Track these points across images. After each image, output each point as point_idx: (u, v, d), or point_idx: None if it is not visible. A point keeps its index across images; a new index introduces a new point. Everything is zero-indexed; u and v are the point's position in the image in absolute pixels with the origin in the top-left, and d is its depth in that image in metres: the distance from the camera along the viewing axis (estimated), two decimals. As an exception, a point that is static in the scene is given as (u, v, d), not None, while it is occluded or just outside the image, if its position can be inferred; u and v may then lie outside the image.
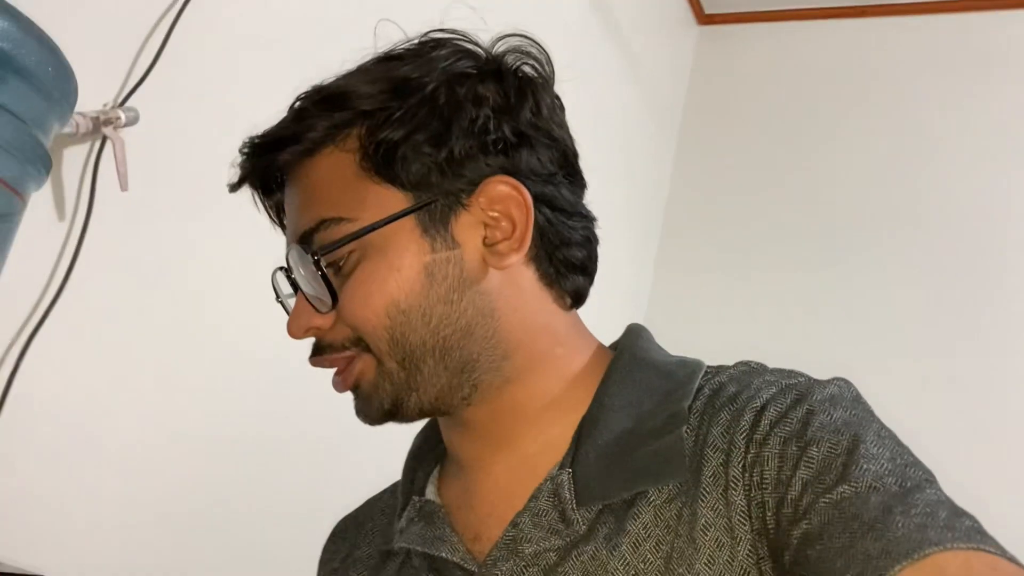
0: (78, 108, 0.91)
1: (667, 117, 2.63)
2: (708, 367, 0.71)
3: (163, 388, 1.15)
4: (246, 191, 0.77)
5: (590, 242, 0.74)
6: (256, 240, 1.26)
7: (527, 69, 0.72)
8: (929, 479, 0.58)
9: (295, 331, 0.70)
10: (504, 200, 0.68)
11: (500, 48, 0.71)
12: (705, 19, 2.78)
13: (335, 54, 1.42)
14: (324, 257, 0.66)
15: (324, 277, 0.66)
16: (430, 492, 0.75)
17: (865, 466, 0.57)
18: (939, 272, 2.29)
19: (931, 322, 2.26)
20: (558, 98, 0.74)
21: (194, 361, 1.19)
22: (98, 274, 1.03)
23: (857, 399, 0.64)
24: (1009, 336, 2.20)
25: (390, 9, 1.50)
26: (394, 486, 0.82)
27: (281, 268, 0.74)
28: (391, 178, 0.67)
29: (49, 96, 0.65)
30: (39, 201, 0.95)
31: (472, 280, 0.68)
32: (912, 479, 0.57)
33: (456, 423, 0.73)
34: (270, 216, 0.78)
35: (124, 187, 1.02)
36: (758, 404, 0.64)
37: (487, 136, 0.68)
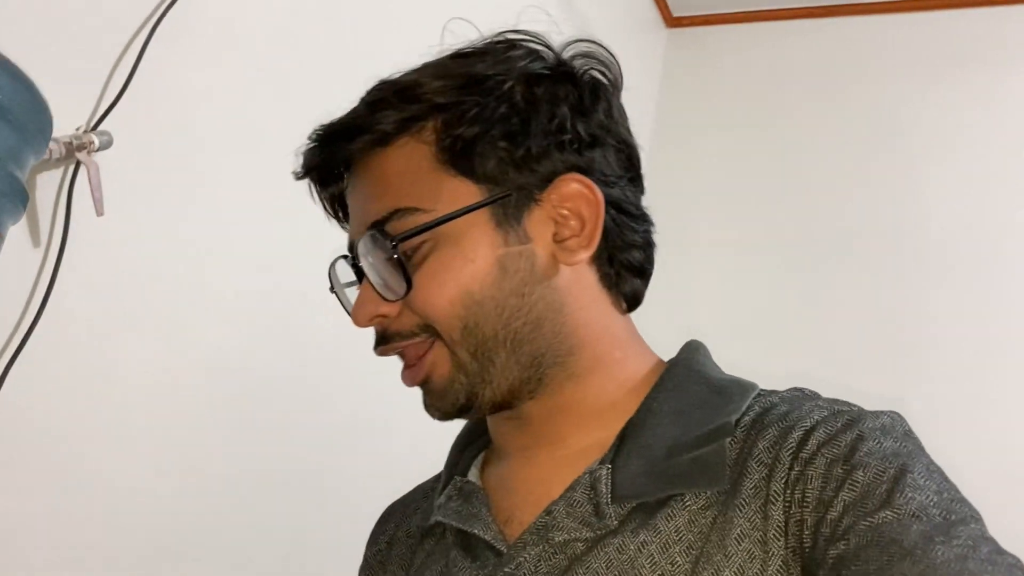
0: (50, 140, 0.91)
1: (638, 120, 2.62)
2: (761, 390, 0.72)
3: (143, 413, 1.14)
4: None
5: (649, 246, 0.77)
6: (232, 262, 1.26)
7: (596, 74, 0.74)
8: (975, 516, 0.58)
9: (361, 318, 0.70)
10: (576, 198, 0.70)
11: (570, 52, 0.74)
12: (674, 21, 2.79)
13: (309, 75, 1.43)
14: (401, 245, 0.67)
15: (400, 263, 0.67)
16: (472, 475, 0.78)
17: (910, 495, 0.58)
18: (914, 275, 2.30)
19: (905, 327, 2.27)
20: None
21: (174, 385, 1.18)
22: (76, 300, 1.02)
23: (908, 433, 0.64)
24: (996, 338, 2.20)
25: (374, 26, 1.50)
26: (439, 474, 0.84)
27: (344, 256, 0.75)
28: (467, 171, 0.69)
29: (24, 130, 0.65)
30: (15, 227, 0.94)
31: (543, 275, 0.70)
32: (957, 513, 0.57)
33: (509, 416, 0.74)
34: (325, 208, 0.80)
35: (100, 212, 1.01)
36: (808, 424, 0.65)
37: (563, 135, 0.70)
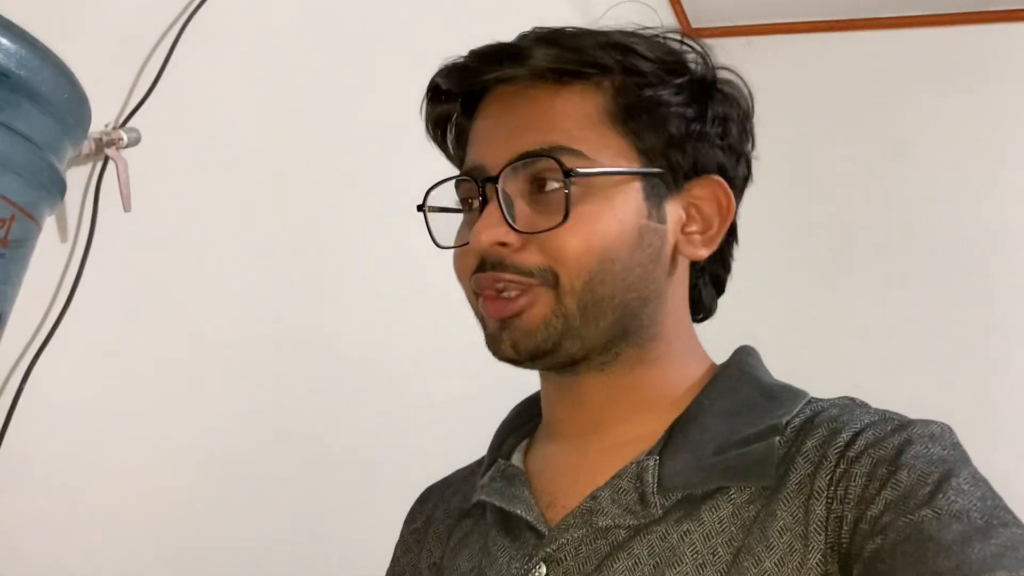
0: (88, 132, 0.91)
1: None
2: (812, 397, 0.73)
3: (168, 409, 1.14)
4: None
5: (730, 268, 0.80)
6: (260, 259, 1.27)
7: (747, 97, 0.77)
8: (1018, 523, 0.58)
9: (486, 238, 0.69)
10: (712, 199, 0.73)
11: (725, 74, 0.77)
12: (692, 32, 2.80)
13: (338, 71, 1.43)
14: (569, 180, 0.67)
15: (567, 195, 0.67)
16: (515, 459, 0.78)
17: (953, 497, 0.58)
18: (935, 283, 2.29)
19: (934, 335, 2.26)
20: None
21: (199, 381, 1.19)
22: (101, 295, 1.03)
23: (957, 444, 0.65)
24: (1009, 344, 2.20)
25: (394, 26, 1.51)
26: (480, 459, 0.85)
27: (465, 179, 0.74)
28: (635, 135, 0.70)
29: (64, 121, 0.65)
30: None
31: (665, 258, 0.72)
32: (999, 518, 0.57)
33: (572, 392, 0.75)
34: (429, 128, 0.80)
35: (127, 208, 1.01)
36: (857, 427, 0.66)
37: (726, 138, 0.74)
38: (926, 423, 0.66)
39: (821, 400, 0.72)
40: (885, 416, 0.67)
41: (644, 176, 0.70)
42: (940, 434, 0.65)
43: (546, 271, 0.68)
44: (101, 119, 1.02)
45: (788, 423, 0.69)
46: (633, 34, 0.73)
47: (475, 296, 0.73)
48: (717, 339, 0.82)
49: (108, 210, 1.01)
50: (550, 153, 0.68)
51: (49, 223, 0.98)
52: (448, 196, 0.78)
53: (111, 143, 1.00)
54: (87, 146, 0.98)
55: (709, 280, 0.78)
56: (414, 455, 1.47)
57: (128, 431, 1.09)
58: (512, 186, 0.70)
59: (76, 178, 1.01)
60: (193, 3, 1.12)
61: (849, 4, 2.55)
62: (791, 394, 0.73)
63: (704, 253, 0.73)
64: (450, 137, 0.80)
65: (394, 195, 1.53)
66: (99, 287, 1.02)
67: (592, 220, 0.68)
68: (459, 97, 0.77)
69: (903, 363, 2.26)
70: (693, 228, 0.73)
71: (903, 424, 0.65)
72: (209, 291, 1.19)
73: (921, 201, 2.38)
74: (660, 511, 0.66)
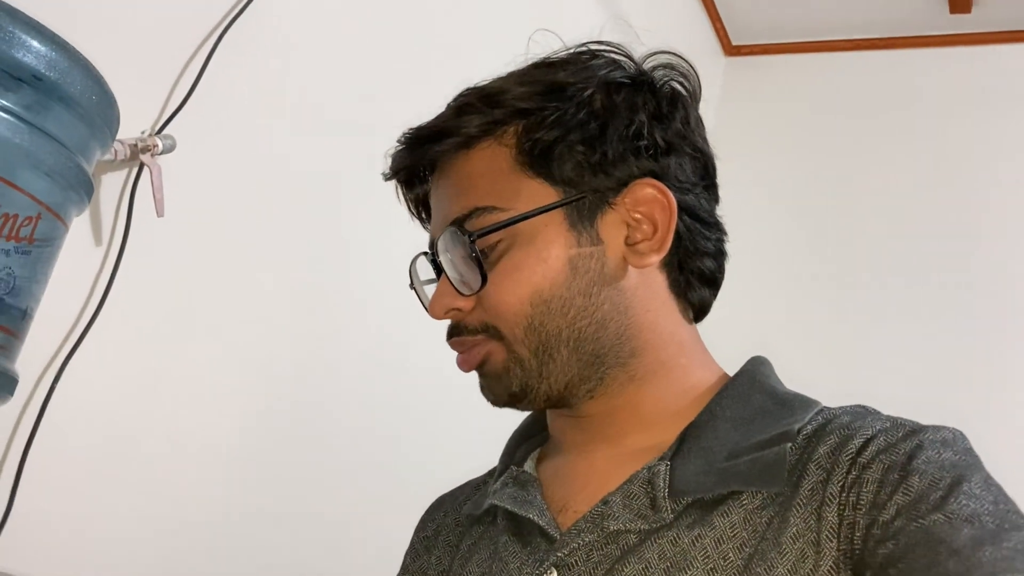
0: (117, 135, 0.93)
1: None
2: (824, 406, 0.72)
3: (196, 408, 1.16)
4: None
5: (721, 254, 0.78)
6: (291, 266, 1.28)
7: (676, 84, 0.76)
8: None
9: (437, 310, 0.73)
10: (649, 202, 0.72)
11: (651, 63, 0.76)
12: (732, 50, 2.80)
13: (371, 81, 1.45)
14: (478, 241, 0.70)
15: (476, 258, 0.70)
16: (528, 466, 0.79)
17: (965, 502, 0.58)
18: (970, 307, 2.27)
19: (969, 358, 2.24)
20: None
21: (228, 382, 1.20)
22: (133, 298, 1.05)
23: (969, 450, 0.64)
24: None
25: (427, 37, 1.53)
26: (492, 470, 0.85)
27: (425, 253, 0.79)
28: (545, 173, 0.71)
29: (92, 123, 0.67)
30: (77, 226, 0.97)
31: (612, 277, 0.72)
32: (1011, 522, 0.57)
33: (569, 414, 0.76)
34: (409, 208, 0.83)
35: (160, 213, 1.03)
36: (869, 432, 0.65)
37: (639, 141, 0.72)
38: (938, 429, 0.65)
39: (833, 408, 0.72)
40: (897, 422, 0.67)
41: (563, 207, 0.71)
42: (952, 439, 0.64)
43: (490, 327, 0.71)
44: (137, 126, 1.05)
45: (800, 430, 0.68)
46: (541, 65, 0.75)
47: None
48: (729, 349, 0.81)
49: (142, 215, 1.03)
50: (467, 218, 0.71)
51: (84, 226, 1.01)
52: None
53: (146, 149, 1.03)
54: (123, 152, 1.00)
55: (693, 277, 0.76)
56: (430, 462, 1.47)
57: (158, 430, 1.11)
58: (454, 253, 0.72)
59: (111, 183, 1.04)
60: (229, 15, 1.15)
61: (890, 22, 2.53)
62: (803, 402, 0.72)
63: (654, 258, 0.72)
64: (417, 214, 0.84)
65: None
66: (132, 289, 1.04)
67: (516, 268, 0.70)
68: (411, 180, 0.80)
69: (919, 373, 2.24)
70: (640, 237, 0.72)
71: (915, 430, 0.65)
72: (238, 294, 1.21)
73: (962, 217, 2.35)
74: (671, 515, 0.66)
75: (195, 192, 1.13)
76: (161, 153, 1.04)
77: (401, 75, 1.48)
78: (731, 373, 0.77)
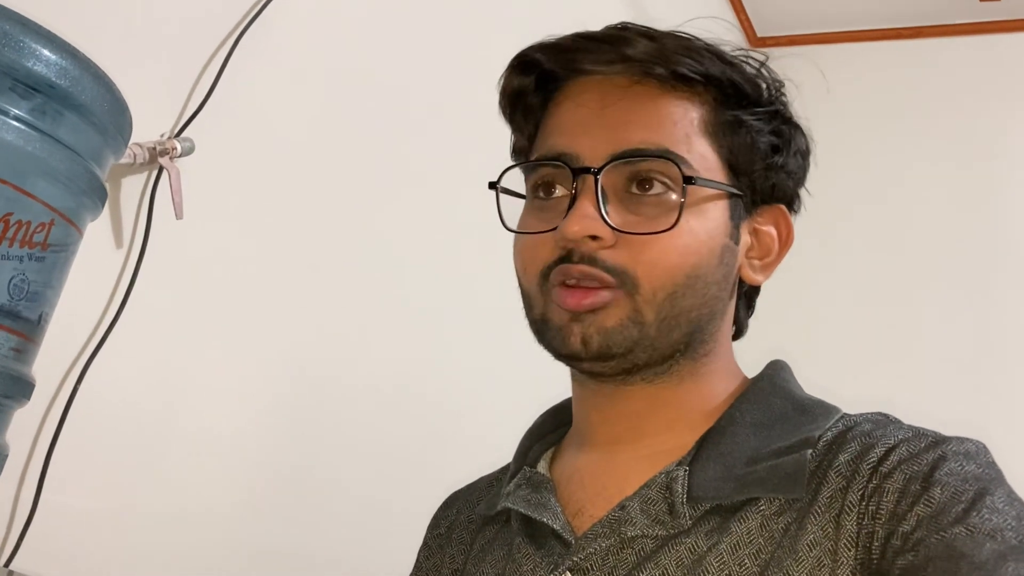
0: (136, 139, 0.94)
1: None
2: (844, 412, 0.72)
3: (219, 413, 1.17)
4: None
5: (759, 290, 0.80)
6: (310, 268, 1.29)
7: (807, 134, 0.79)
8: None
9: (578, 228, 0.66)
10: (779, 228, 0.75)
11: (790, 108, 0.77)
12: (758, 42, 2.78)
13: (389, 83, 1.45)
14: (686, 188, 0.67)
15: (682, 204, 0.67)
16: (541, 467, 0.78)
17: (987, 516, 0.57)
18: (991, 303, 2.23)
19: (992, 352, 2.20)
20: None
21: (247, 387, 1.21)
22: (154, 300, 1.06)
23: (992, 463, 0.64)
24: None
25: (445, 36, 1.53)
26: (505, 467, 0.85)
27: (566, 165, 0.69)
28: (728, 151, 0.71)
29: (104, 131, 0.68)
30: (98, 229, 0.98)
31: (733, 279, 0.73)
32: None
33: (612, 400, 0.74)
34: (510, 97, 0.76)
35: (179, 216, 1.04)
36: (891, 442, 0.65)
37: (801, 171, 0.76)
38: (961, 440, 0.64)
39: (854, 415, 0.71)
40: (919, 432, 0.66)
41: (731, 195, 0.71)
42: (975, 452, 0.63)
43: (629, 276, 0.67)
44: (156, 129, 1.06)
45: (820, 437, 0.68)
46: (725, 51, 0.73)
47: (541, 288, 0.70)
48: (749, 351, 0.81)
49: (161, 217, 1.04)
50: (665, 155, 0.67)
51: (105, 229, 1.02)
52: (508, 179, 0.75)
53: (165, 152, 1.04)
54: (142, 155, 1.01)
55: (747, 304, 0.79)
56: (446, 459, 1.47)
57: (180, 430, 1.12)
58: (607, 181, 0.68)
59: (131, 186, 1.05)
60: (247, 18, 1.15)
61: (919, 11, 2.50)
62: (824, 409, 0.72)
63: (761, 279, 0.75)
64: (528, 113, 0.76)
65: (444, 208, 1.54)
66: (152, 291, 1.05)
67: (689, 233, 0.68)
68: (547, 76, 0.74)
69: (941, 380, 2.21)
70: (754, 254, 0.74)
71: (937, 441, 0.64)
72: (257, 298, 1.22)
73: (992, 213, 2.31)
74: (689, 521, 0.65)
75: (214, 195, 1.13)
76: (180, 156, 1.05)
77: (420, 75, 1.49)
78: (750, 376, 0.77)
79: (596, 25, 0.76)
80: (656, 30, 0.71)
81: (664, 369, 0.71)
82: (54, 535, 0.97)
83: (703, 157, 0.69)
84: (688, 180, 0.67)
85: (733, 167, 0.71)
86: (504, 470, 0.84)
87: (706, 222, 0.69)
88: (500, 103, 0.78)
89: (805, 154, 0.77)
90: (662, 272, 0.67)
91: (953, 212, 2.36)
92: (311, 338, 1.32)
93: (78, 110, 0.65)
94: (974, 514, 0.57)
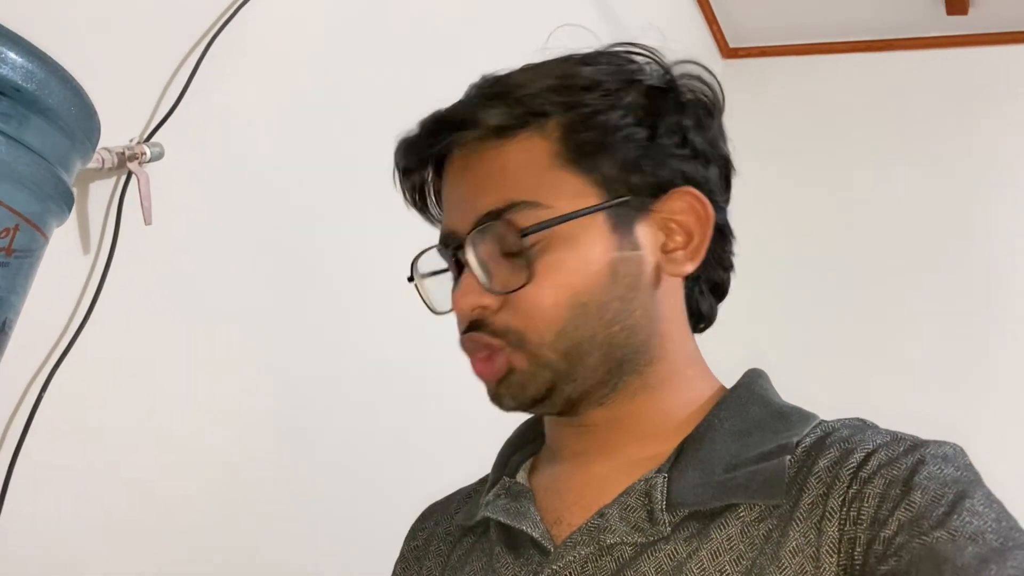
0: (104, 143, 0.93)
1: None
2: (822, 419, 0.72)
3: (183, 421, 1.16)
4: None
5: (731, 267, 0.78)
6: (279, 273, 1.28)
7: (708, 93, 0.75)
8: None
9: (464, 305, 0.70)
10: (688, 211, 0.71)
11: (680, 70, 0.74)
12: (730, 52, 2.80)
13: (360, 89, 1.45)
14: (524, 240, 0.67)
15: (525, 256, 0.67)
16: (521, 476, 0.78)
17: (968, 519, 0.57)
18: (962, 307, 2.26)
19: (951, 357, 2.23)
20: None
21: (219, 391, 1.20)
22: (122, 306, 1.05)
23: (970, 465, 0.64)
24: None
25: (419, 43, 1.53)
26: (483, 478, 0.84)
27: (439, 246, 0.75)
28: (589, 171, 0.69)
29: (72, 135, 0.67)
30: (65, 234, 0.97)
31: (646, 283, 0.71)
32: (1014, 540, 0.56)
33: (573, 423, 0.74)
34: (411, 198, 0.80)
35: (148, 221, 1.03)
36: (870, 447, 0.65)
37: (684, 148, 0.71)
38: (939, 444, 0.65)
39: (831, 421, 0.71)
40: (897, 436, 0.66)
41: (606, 209, 0.69)
42: (953, 455, 0.64)
43: (514, 332, 0.69)
44: (125, 134, 1.05)
45: (799, 443, 0.68)
46: (578, 61, 0.72)
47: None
48: (724, 361, 0.81)
49: (130, 223, 1.03)
50: (504, 212, 0.68)
51: (72, 235, 1.01)
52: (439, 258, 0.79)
53: (134, 157, 1.02)
54: (110, 160, 1.00)
55: (706, 287, 0.76)
56: (424, 470, 1.47)
57: (147, 440, 1.11)
58: (484, 248, 0.69)
59: (99, 191, 1.03)
60: (218, 23, 1.15)
61: (887, 24, 2.53)
62: (801, 415, 0.72)
63: (690, 268, 0.72)
64: (430, 203, 0.80)
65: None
66: (120, 298, 1.04)
67: (557, 270, 0.68)
68: (423, 168, 0.77)
69: (917, 384, 2.24)
70: (675, 243, 0.71)
71: (915, 444, 0.64)
72: (227, 303, 1.21)
73: (960, 220, 2.35)
74: (668, 528, 0.65)
75: (183, 200, 1.12)
76: (149, 161, 1.04)
77: (392, 82, 1.48)
78: (727, 385, 0.77)
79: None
80: (500, 79, 0.72)
81: (608, 391, 0.71)
82: (17, 549, 0.95)
83: (559, 189, 0.69)
84: (523, 233, 0.67)
85: (603, 180, 0.69)
86: (482, 481, 0.84)
87: (579, 250, 0.68)
88: (405, 203, 0.81)
89: (687, 125, 0.72)
90: (539, 319, 0.68)
91: (925, 221, 2.39)
92: (282, 343, 1.31)
93: (45, 114, 0.64)
94: (955, 517, 0.57)
